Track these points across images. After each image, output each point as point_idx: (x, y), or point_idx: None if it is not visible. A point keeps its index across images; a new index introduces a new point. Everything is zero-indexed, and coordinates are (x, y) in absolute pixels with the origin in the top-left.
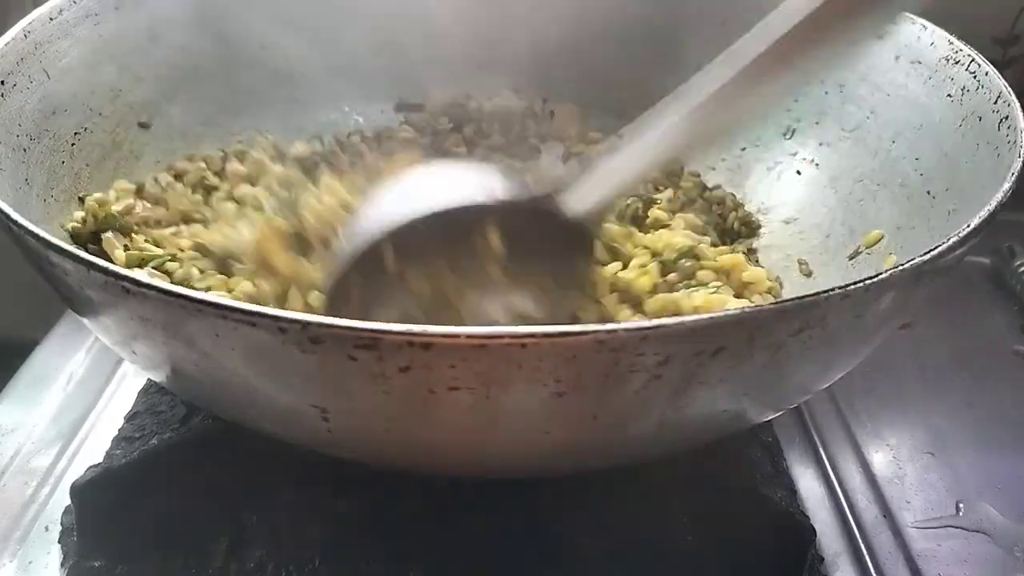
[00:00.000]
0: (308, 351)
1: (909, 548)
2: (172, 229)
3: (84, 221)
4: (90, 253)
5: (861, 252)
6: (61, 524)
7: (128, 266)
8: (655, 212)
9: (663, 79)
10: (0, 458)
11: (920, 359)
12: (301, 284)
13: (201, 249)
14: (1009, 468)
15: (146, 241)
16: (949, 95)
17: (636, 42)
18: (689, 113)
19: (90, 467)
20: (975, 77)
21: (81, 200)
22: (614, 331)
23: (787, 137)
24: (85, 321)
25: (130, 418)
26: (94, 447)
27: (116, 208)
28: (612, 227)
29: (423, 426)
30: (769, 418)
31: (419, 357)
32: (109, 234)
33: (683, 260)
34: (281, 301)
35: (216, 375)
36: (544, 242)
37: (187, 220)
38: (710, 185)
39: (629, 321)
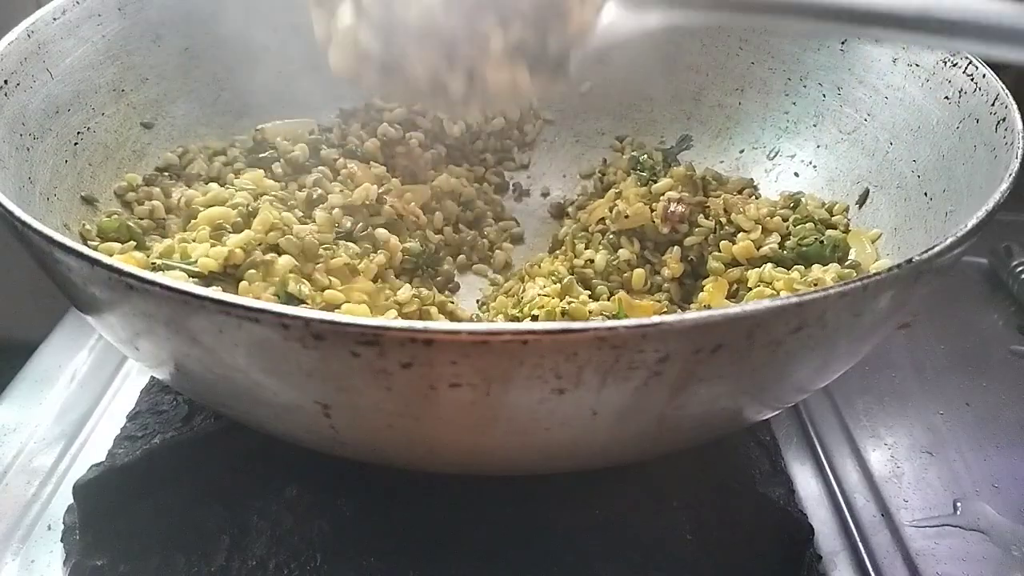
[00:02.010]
0: (311, 347)
1: (907, 547)
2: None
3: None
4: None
5: None
6: (63, 523)
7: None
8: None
9: (659, 82)
10: (3, 457)
11: (918, 358)
12: None
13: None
14: (1006, 467)
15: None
16: (947, 97)
17: (633, 46)
18: None
19: (92, 466)
20: (972, 79)
21: (84, 199)
22: (614, 328)
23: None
24: (89, 319)
25: (132, 417)
26: (96, 446)
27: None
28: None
29: (424, 423)
30: (767, 416)
31: (421, 353)
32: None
33: None
34: None
35: (219, 372)
36: None
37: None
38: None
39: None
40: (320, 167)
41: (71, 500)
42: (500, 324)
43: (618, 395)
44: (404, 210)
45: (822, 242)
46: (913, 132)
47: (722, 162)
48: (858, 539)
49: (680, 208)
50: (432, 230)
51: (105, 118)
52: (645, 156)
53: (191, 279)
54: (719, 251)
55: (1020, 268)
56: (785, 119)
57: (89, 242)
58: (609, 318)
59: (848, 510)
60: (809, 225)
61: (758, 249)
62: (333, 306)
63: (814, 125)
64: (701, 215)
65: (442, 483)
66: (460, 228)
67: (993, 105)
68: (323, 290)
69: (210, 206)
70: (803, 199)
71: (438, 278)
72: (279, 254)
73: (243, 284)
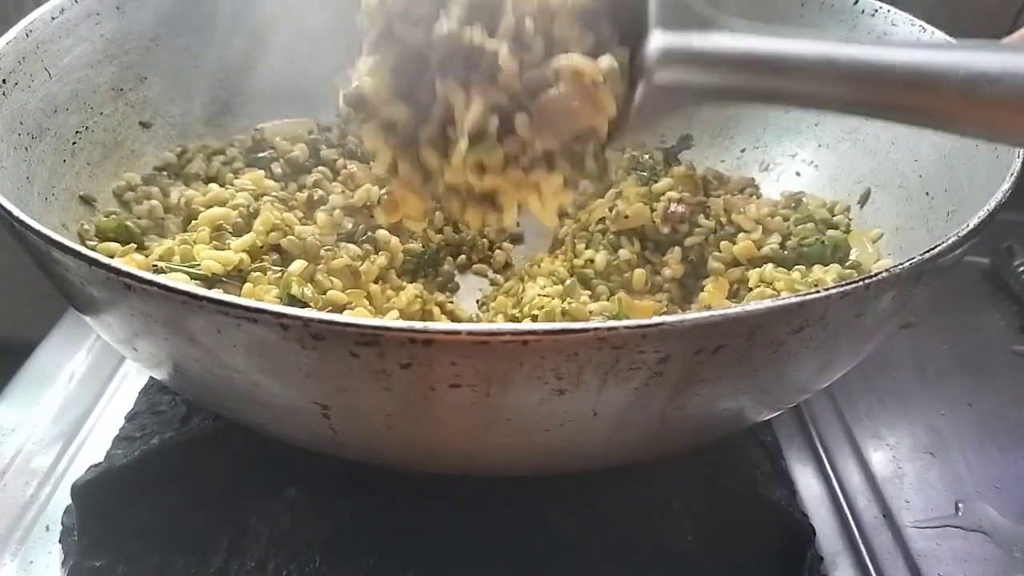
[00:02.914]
0: (310, 347)
1: (908, 547)
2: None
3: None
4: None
5: None
6: (62, 524)
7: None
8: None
9: None
10: (1, 458)
11: (919, 359)
12: None
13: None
14: (1008, 468)
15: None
16: None
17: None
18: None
19: (91, 467)
20: None
21: (82, 199)
22: (615, 328)
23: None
24: (87, 319)
25: (131, 418)
26: (95, 447)
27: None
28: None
29: (424, 424)
30: (769, 417)
31: (420, 354)
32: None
33: None
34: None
35: (218, 372)
36: None
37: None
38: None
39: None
40: (320, 167)
41: (69, 501)
42: (500, 324)
43: (619, 396)
44: None
45: (823, 242)
46: (915, 131)
47: (723, 161)
48: (859, 540)
49: (680, 208)
50: (432, 230)
51: (103, 117)
52: (646, 155)
53: (193, 281)
54: (720, 251)
55: (1022, 268)
56: (786, 118)
57: (87, 242)
58: (609, 318)
59: (850, 511)
60: (810, 225)
61: (759, 249)
62: (336, 307)
63: (815, 124)
64: (702, 215)
65: (442, 483)
66: (460, 228)
67: None
68: (325, 292)
69: (210, 206)
70: (804, 199)
71: (438, 278)
72: (281, 254)
73: (247, 286)
